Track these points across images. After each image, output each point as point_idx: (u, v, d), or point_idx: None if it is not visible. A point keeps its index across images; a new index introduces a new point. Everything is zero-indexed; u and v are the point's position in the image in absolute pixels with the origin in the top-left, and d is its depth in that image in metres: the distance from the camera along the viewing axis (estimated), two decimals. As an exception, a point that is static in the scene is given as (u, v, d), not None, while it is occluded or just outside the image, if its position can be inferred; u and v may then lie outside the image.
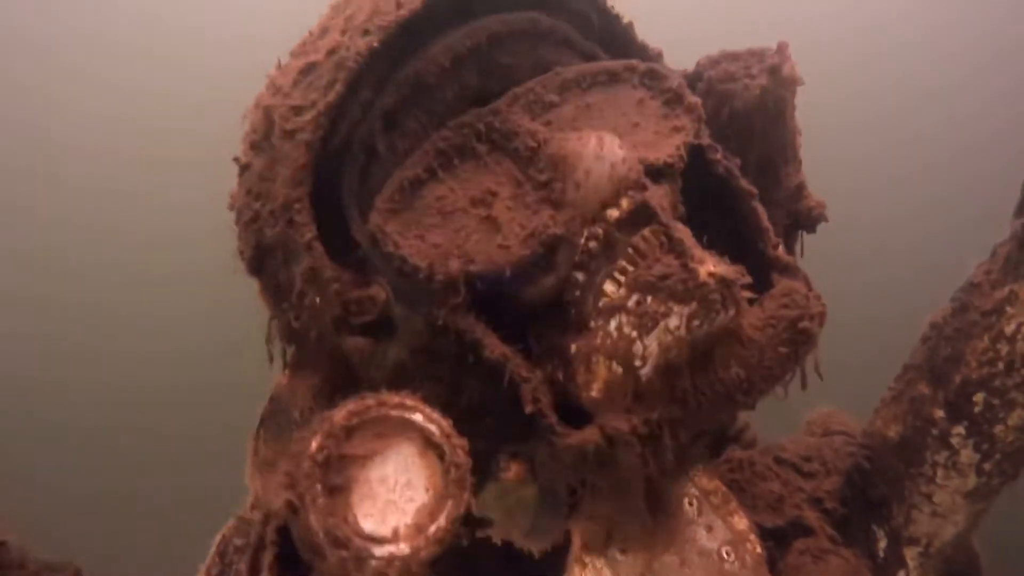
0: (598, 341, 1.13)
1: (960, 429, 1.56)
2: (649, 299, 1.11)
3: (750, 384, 1.15)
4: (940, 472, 1.60)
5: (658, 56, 1.50)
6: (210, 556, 1.54)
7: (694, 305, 1.08)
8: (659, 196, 1.19)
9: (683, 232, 1.17)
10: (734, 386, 1.14)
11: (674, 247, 1.12)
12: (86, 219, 3.83)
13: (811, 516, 1.52)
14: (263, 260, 1.27)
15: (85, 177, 3.83)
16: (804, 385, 1.28)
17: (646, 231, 1.14)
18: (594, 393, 1.14)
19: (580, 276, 1.16)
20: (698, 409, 1.14)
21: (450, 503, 0.96)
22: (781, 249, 1.35)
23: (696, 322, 1.09)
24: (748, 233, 1.36)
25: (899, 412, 1.67)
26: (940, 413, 1.59)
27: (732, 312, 1.12)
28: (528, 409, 1.11)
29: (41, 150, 3.73)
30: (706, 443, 1.40)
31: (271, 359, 1.36)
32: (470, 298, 1.13)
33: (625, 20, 1.47)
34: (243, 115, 1.30)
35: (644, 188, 1.17)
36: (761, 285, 1.33)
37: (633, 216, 1.15)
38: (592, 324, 1.15)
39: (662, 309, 1.09)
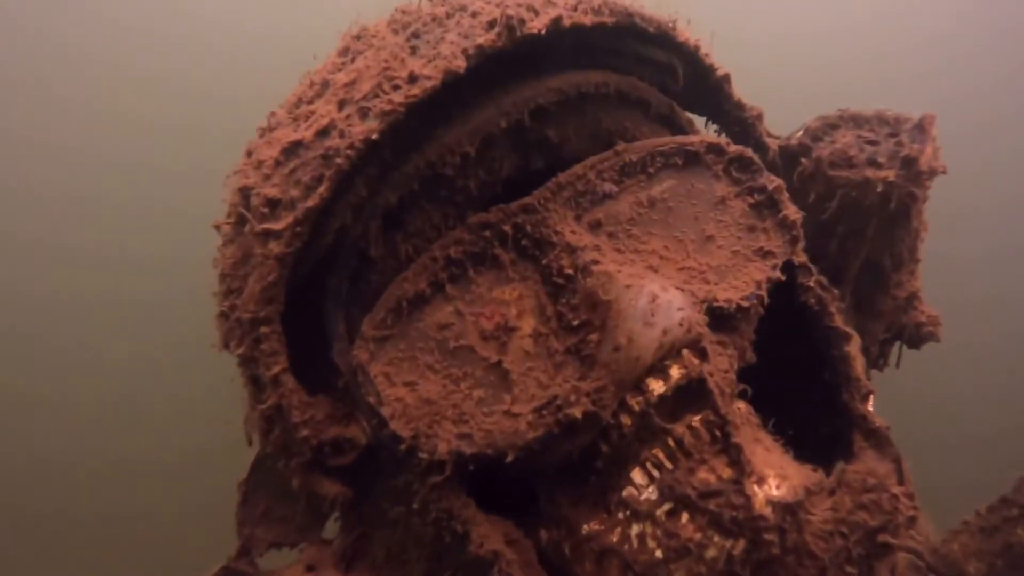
0: (615, 540, 0.91)
1: None
2: (684, 517, 0.86)
3: None
4: None
5: (757, 119, 1.17)
6: None
7: (742, 543, 0.84)
8: (720, 369, 0.92)
9: (743, 423, 0.90)
10: None
11: (728, 449, 0.87)
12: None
13: None
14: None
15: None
16: None
17: (695, 420, 0.88)
18: None
19: (605, 448, 0.92)
20: None
21: None
22: (871, 404, 1.07)
23: (740, 559, 0.85)
24: (832, 379, 1.08)
25: (986, 549, 1.42)
26: None
27: (792, 541, 0.87)
28: None
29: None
30: None
31: (249, 441, 1.18)
32: (458, 472, 0.91)
33: (720, 71, 1.13)
34: (227, 175, 1.05)
35: (703, 354, 0.90)
36: (839, 441, 1.07)
37: (681, 394, 0.89)
38: (612, 511, 0.92)
39: (699, 537, 0.85)
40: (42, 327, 3.17)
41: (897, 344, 1.30)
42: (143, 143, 3.08)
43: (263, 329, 0.94)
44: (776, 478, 0.86)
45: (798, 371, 1.13)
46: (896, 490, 0.96)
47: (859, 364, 1.08)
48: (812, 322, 1.07)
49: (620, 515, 0.91)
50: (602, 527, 0.92)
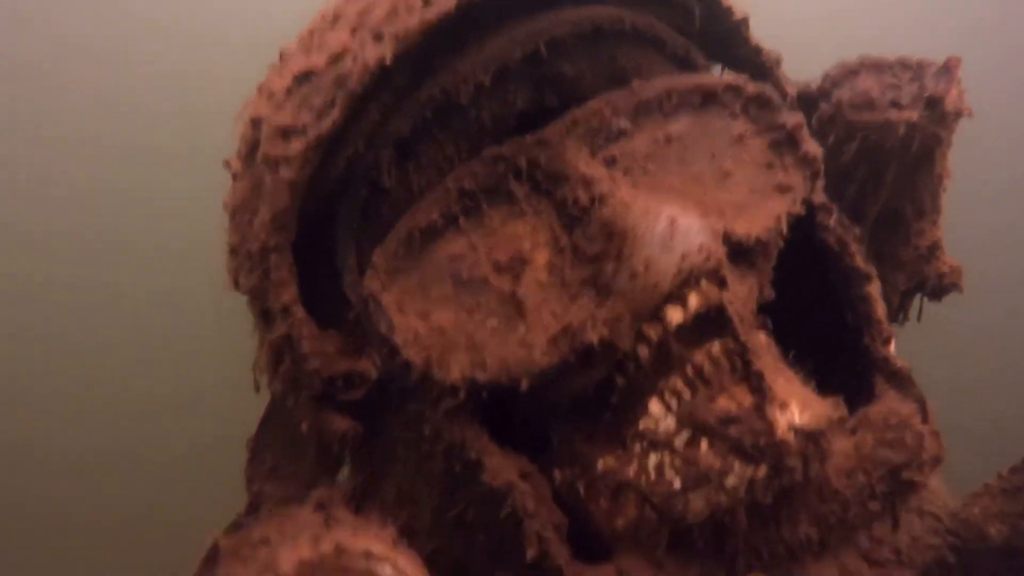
0: (631, 473, 0.89)
1: None
2: (704, 445, 0.85)
3: (822, 544, 0.91)
4: None
5: (775, 64, 1.15)
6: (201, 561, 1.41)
7: (763, 469, 0.82)
8: (740, 298, 0.90)
9: (764, 353, 0.89)
10: (800, 547, 0.90)
11: (749, 376, 0.85)
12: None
13: None
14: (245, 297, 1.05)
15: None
16: (896, 525, 1.01)
17: (715, 346, 0.87)
18: (618, 527, 0.91)
19: (620, 381, 0.90)
20: (747, 569, 0.90)
21: None
22: (893, 347, 1.05)
23: (762, 486, 0.83)
24: (854, 321, 1.06)
25: (1009, 511, 1.38)
26: None
27: (815, 470, 0.85)
28: (530, 554, 0.89)
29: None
30: None
31: (257, 388, 1.16)
32: (471, 400, 0.89)
33: (737, 15, 1.12)
34: (238, 113, 1.04)
35: (723, 282, 0.88)
36: (859, 385, 1.05)
37: (700, 322, 0.87)
38: (628, 445, 0.90)
39: (719, 464, 0.83)
40: (42, 320, 3.16)
41: (918, 297, 1.28)
42: (142, 130, 3.06)
43: (273, 257, 0.93)
44: (799, 405, 0.84)
45: (815, 325, 1.11)
46: (920, 428, 0.95)
47: (880, 306, 1.06)
48: (831, 263, 1.05)
49: (636, 447, 0.89)
50: (618, 462, 0.90)
